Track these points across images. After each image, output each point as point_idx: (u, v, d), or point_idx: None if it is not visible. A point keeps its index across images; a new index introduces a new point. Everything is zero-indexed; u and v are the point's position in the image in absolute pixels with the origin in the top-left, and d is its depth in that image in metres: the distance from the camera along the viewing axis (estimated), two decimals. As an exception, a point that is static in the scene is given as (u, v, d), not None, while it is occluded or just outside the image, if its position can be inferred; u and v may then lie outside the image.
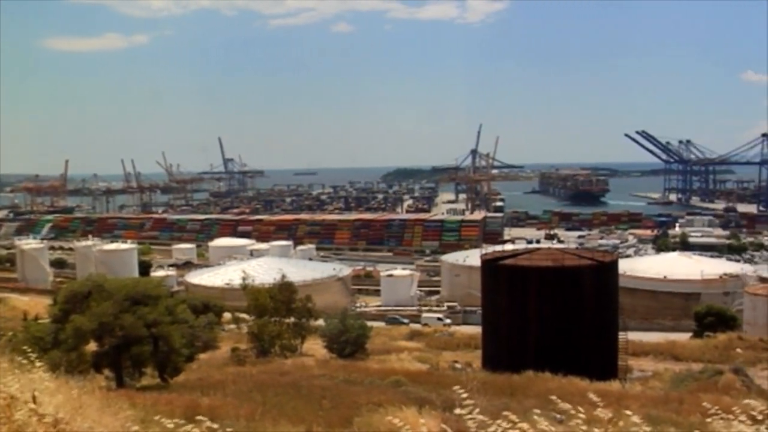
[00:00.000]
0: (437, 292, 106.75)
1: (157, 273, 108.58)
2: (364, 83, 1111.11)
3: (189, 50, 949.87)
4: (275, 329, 44.44)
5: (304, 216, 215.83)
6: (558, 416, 7.72)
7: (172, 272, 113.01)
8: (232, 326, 58.42)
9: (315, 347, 47.67)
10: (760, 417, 6.12)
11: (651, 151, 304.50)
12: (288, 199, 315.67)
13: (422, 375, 33.47)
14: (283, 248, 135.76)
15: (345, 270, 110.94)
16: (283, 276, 49.43)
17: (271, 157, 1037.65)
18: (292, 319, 46.66)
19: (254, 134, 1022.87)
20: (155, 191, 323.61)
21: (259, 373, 29.86)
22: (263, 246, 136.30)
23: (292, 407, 18.18)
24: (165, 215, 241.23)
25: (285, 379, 26.99)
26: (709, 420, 6.48)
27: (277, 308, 45.93)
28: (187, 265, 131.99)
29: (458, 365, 43.09)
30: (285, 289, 47.45)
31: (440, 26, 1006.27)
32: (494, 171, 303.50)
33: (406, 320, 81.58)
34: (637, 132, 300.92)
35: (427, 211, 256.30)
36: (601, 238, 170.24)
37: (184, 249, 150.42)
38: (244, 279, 49.15)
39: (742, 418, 6.13)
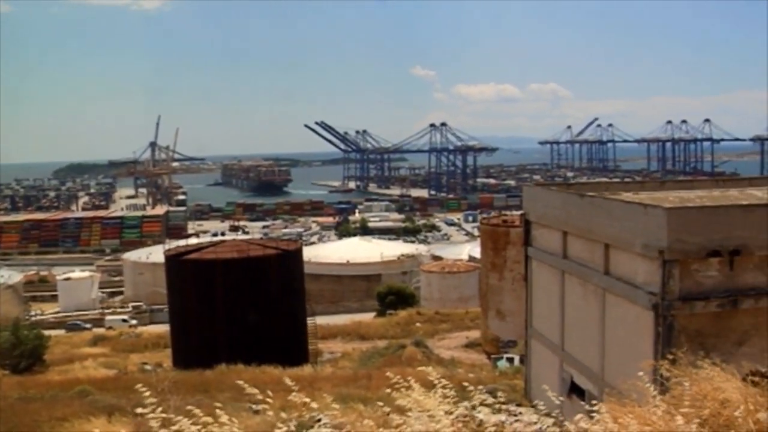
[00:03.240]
0: (121, 293, 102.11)
1: None
2: (27, 71, 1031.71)
3: None
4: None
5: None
6: (253, 406, 7.44)
7: None
8: None
9: (-16, 364, 43.15)
10: (435, 382, 6.27)
11: (330, 141, 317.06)
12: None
13: (110, 381, 31.71)
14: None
15: (15, 276, 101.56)
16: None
17: None
18: (-47, 336, 41.76)
19: None
20: None
21: None
22: None
23: (-46, 438, 16.12)
24: None
25: (-54, 405, 23.91)
26: (389, 391, 6.54)
27: (-66, 324, 40.83)
28: None
29: (148, 366, 41.42)
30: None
31: (113, 12, 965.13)
32: (175, 164, 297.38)
33: (88, 325, 77.00)
34: (317, 123, 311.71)
35: (106, 207, 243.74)
36: (286, 227, 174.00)
37: None
38: None
39: (418, 386, 6.25)
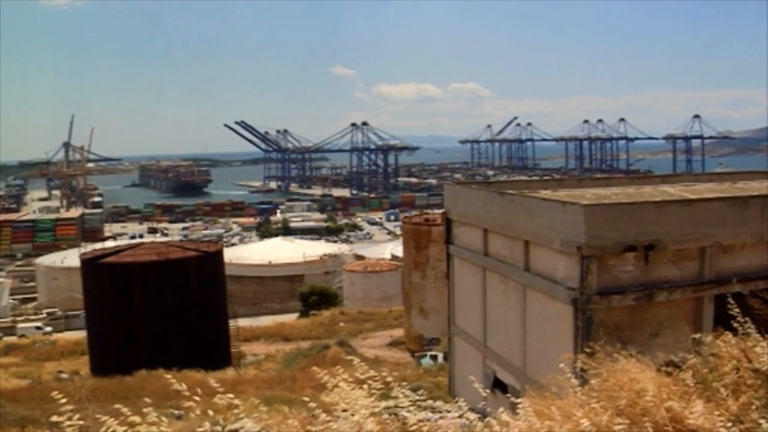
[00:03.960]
0: (34, 299, 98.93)
1: None
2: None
3: None
4: None
5: None
6: (176, 412, 7.33)
7: None
8: None
9: None
10: (361, 379, 6.29)
11: (251, 141, 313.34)
12: None
13: (23, 392, 30.69)
14: None
15: None
16: None
17: None
18: None
19: None
20: None
21: None
22: None
23: None
24: None
25: None
26: (313, 391, 6.53)
27: None
28: None
29: (64, 375, 40.31)
30: None
31: (22, 5, 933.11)
32: (90, 164, 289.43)
33: (-1, 334, 74.34)
34: (237, 122, 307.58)
35: (17, 210, 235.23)
36: (206, 229, 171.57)
37: None
38: None
39: (343, 383, 6.25)
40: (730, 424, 5.17)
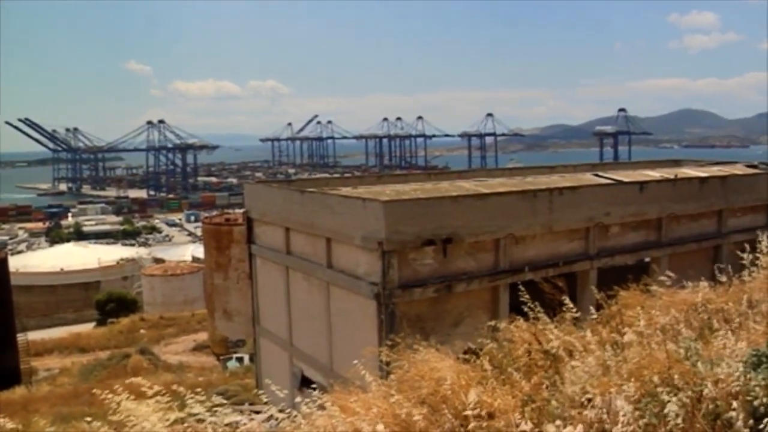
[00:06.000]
0: None
1: None
2: None
3: None
4: None
5: None
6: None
7: None
8: None
9: None
10: (150, 390, 6.06)
11: (37, 140, 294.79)
12: None
13: None
14: None
15: None
16: None
17: None
18: None
19: None
20: None
21: None
22: None
23: None
24: None
25: None
26: (112, 405, 6.25)
27: None
28: None
29: None
30: None
31: None
32: None
33: None
34: (20, 120, 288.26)
35: None
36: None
37: None
38: None
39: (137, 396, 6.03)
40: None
